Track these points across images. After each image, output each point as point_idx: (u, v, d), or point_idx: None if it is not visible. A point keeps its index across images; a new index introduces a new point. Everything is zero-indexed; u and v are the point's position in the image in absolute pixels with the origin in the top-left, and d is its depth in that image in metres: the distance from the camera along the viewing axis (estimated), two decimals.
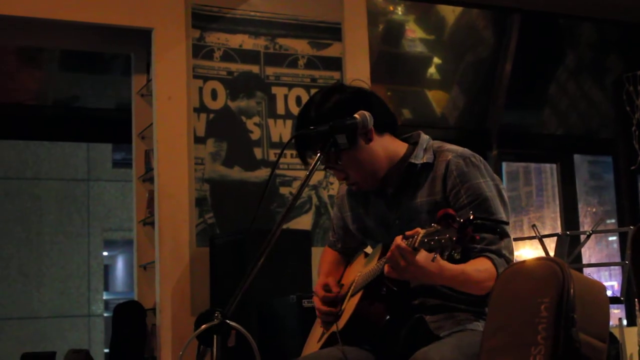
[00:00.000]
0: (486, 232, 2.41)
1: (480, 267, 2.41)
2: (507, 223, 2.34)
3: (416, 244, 2.21)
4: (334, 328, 2.64)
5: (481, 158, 2.61)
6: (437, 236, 2.13)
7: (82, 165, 13.56)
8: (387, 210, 2.68)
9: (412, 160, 2.61)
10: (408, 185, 2.62)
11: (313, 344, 2.82)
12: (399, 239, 2.27)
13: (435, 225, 2.15)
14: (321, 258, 3.04)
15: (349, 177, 2.62)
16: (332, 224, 3.03)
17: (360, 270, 2.73)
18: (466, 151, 2.61)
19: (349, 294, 2.69)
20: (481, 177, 2.54)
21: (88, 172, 13.60)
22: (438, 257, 2.16)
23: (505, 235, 2.48)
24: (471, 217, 2.09)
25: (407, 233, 2.27)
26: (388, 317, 2.55)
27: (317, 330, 2.89)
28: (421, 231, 2.21)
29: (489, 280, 2.39)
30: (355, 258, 2.92)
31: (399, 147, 2.68)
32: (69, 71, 6.20)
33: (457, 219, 2.09)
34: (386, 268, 2.34)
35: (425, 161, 2.60)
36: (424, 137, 2.69)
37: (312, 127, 2.49)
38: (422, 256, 2.25)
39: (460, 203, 2.50)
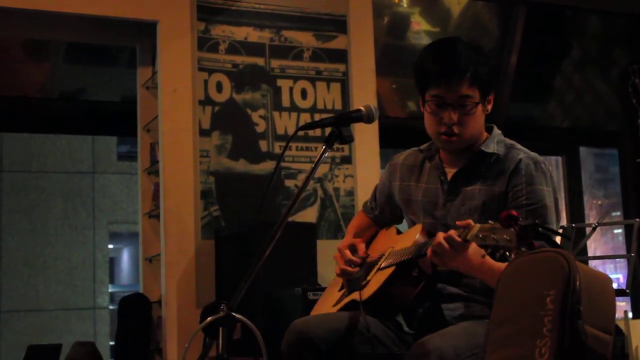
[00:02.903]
0: (541, 240, 2.44)
1: None
2: (567, 237, 2.36)
3: (468, 237, 2.23)
4: (355, 296, 2.63)
5: (549, 166, 2.65)
6: (494, 234, 2.13)
7: (88, 158, 13.57)
8: (441, 190, 2.70)
9: (483, 148, 2.65)
10: (471, 170, 2.66)
11: (328, 307, 2.81)
12: (452, 231, 2.29)
13: (492, 222, 2.16)
14: (351, 222, 3.08)
15: (461, 126, 2.60)
16: (374, 190, 3.03)
17: (392, 245, 2.73)
18: (537, 156, 2.66)
19: (378, 266, 2.68)
20: (545, 185, 2.58)
21: (93, 165, 13.61)
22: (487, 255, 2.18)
23: (557, 246, 2.50)
24: (536, 223, 2.08)
25: (459, 223, 2.29)
26: (413, 298, 2.57)
27: (333, 294, 2.88)
28: (474, 225, 2.23)
29: None
30: (387, 230, 2.93)
31: (484, 132, 2.73)
32: (75, 64, 6.20)
33: (520, 222, 2.09)
34: (429, 252, 2.35)
35: (494, 152, 2.64)
36: (497, 131, 2.73)
37: (318, 120, 2.50)
38: (472, 249, 2.28)
39: (519, 202, 2.53)
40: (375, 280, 2.62)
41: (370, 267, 2.72)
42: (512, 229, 2.09)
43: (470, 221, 2.27)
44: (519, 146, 2.69)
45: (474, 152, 2.66)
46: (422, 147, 2.85)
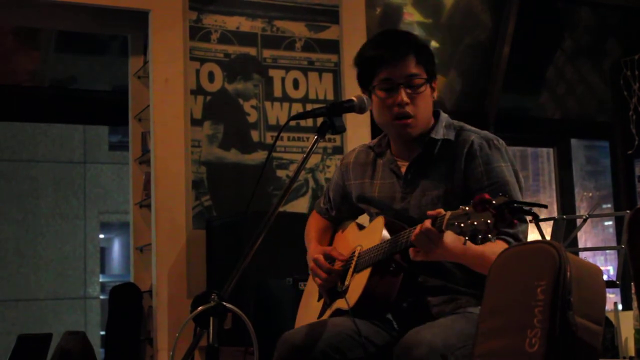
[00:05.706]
0: (517, 214, 2.43)
1: (497, 251, 2.42)
2: (545, 205, 2.37)
3: (443, 227, 2.22)
4: (342, 304, 2.61)
5: (502, 141, 2.63)
6: (470, 220, 2.10)
7: (79, 148, 13.53)
8: (397, 184, 2.67)
9: (433, 136, 2.61)
10: (425, 160, 2.62)
11: (312, 318, 2.78)
12: (427, 222, 2.27)
13: (464, 207, 2.14)
14: (309, 225, 3.04)
15: (414, 106, 2.58)
16: (326, 191, 3.00)
17: (358, 242, 2.71)
18: (488, 134, 2.63)
19: (352, 269, 2.66)
20: (502, 161, 2.56)
21: (84, 155, 13.57)
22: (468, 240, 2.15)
23: (525, 220, 2.49)
24: (508, 200, 2.06)
25: (429, 213, 2.28)
26: (397, 291, 2.55)
27: (312, 306, 2.84)
28: (446, 213, 2.22)
29: None
30: (346, 227, 2.91)
31: (432, 119, 2.69)
32: (66, 52, 6.18)
33: (494, 202, 2.06)
34: (412, 252, 2.35)
35: (445, 137, 2.61)
36: (444, 115, 2.69)
37: (309, 110, 2.49)
38: (450, 238, 2.27)
39: (480, 184, 2.52)
40: (355, 285, 2.59)
41: (344, 271, 2.69)
42: (488, 212, 2.07)
43: (441, 210, 2.26)
44: (468, 127, 2.66)
45: (425, 142, 2.62)
46: (372, 143, 2.81)
